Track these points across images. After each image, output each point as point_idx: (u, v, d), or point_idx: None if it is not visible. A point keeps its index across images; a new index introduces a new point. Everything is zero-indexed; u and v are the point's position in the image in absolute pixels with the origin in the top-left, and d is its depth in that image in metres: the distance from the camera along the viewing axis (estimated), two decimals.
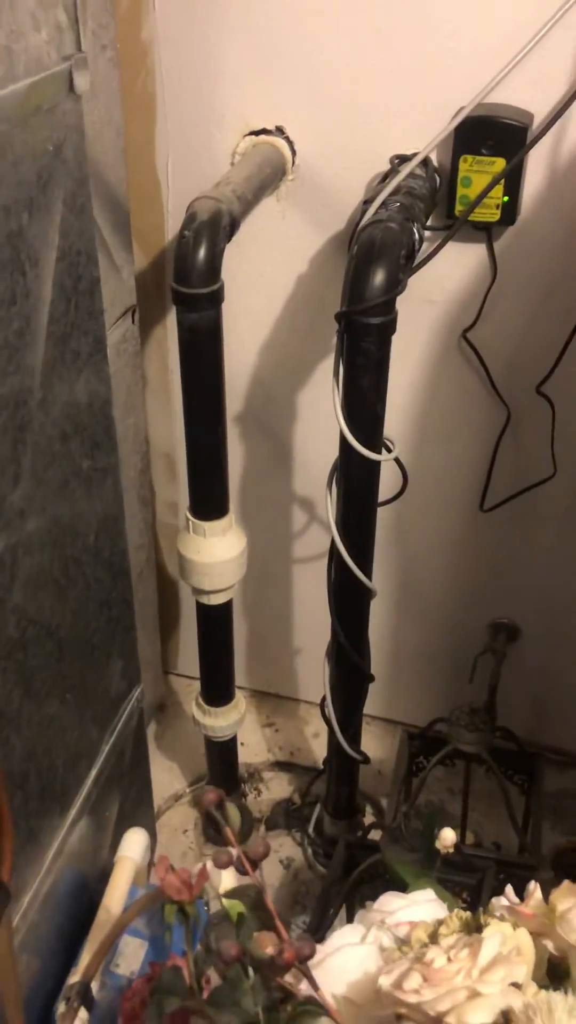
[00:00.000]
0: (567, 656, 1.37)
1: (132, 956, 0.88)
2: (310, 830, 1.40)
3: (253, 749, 1.54)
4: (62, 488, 0.72)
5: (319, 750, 1.46)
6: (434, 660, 1.44)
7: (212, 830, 1.40)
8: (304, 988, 0.57)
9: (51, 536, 0.71)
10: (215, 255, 0.92)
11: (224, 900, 0.66)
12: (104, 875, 0.94)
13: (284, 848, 1.41)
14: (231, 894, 0.57)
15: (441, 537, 1.32)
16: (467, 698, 1.27)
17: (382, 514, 1.07)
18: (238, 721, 1.29)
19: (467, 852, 1.11)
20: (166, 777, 1.49)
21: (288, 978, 0.60)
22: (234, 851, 0.59)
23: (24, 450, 0.66)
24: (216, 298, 0.94)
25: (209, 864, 0.67)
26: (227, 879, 0.74)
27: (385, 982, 0.53)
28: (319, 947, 0.60)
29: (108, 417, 0.77)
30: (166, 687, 1.62)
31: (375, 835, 1.29)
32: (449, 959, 0.51)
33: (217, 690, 1.27)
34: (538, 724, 1.42)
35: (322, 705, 1.20)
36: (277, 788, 1.49)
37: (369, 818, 1.42)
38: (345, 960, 0.59)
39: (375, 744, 1.49)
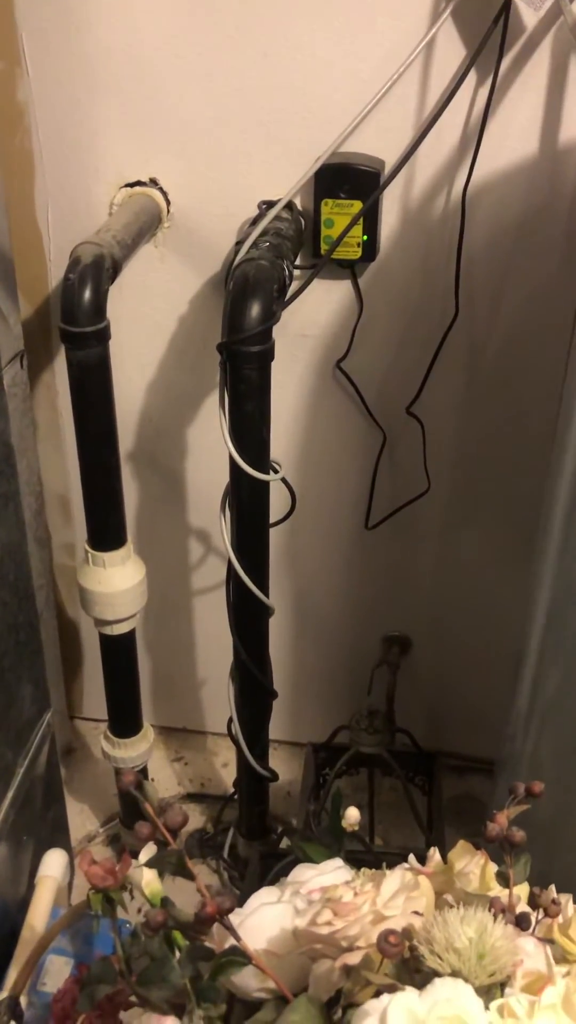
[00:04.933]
0: (456, 664, 1.46)
1: (58, 974, 0.89)
2: (225, 855, 1.43)
3: (164, 784, 1.56)
4: None
5: (228, 779, 1.49)
6: (334, 676, 1.50)
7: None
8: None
9: None
10: (100, 295, 0.98)
11: (146, 884, 0.70)
12: (24, 904, 0.95)
13: (201, 876, 1.41)
14: (152, 862, 0.61)
15: (331, 556, 1.39)
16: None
17: (274, 537, 1.13)
18: (147, 751, 1.32)
19: (376, 850, 1.16)
20: (79, 819, 1.49)
21: (212, 942, 0.64)
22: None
23: None
24: (103, 335, 1.00)
25: (133, 862, 0.71)
26: (148, 875, 0.77)
27: (300, 922, 0.57)
28: (239, 910, 0.64)
29: (7, 445, 0.81)
30: (72, 731, 1.63)
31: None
32: (356, 893, 0.57)
33: (125, 721, 1.30)
34: (435, 731, 1.49)
35: (229, 725, 1.24)
36: (190, 819, 1.51)
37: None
38: (263, 918, 0.63)
39: (284, 766, 1.53)
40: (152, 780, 1.52)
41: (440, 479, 1.28)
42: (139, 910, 0.64)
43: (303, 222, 1.11)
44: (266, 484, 1.05)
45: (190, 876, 0.62)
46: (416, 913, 0.57)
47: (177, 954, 0.64)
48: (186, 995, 0.62)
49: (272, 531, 1.12)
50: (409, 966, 0.53)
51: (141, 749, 1.31)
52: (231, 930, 0.58)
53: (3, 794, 0.89)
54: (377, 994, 0.51)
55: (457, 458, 1.27)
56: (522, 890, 0.62)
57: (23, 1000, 0.84)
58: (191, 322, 1.22)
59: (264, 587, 1.12)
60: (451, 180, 1.10)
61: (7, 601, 0.85)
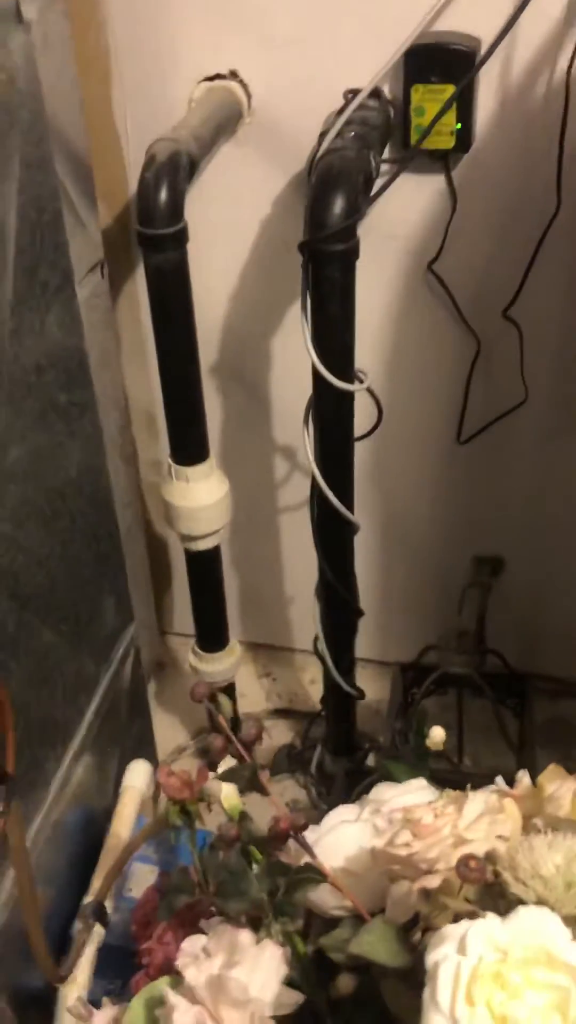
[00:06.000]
0: (552, 583, 1.40)
1: (143, 880, 0.91)
2: (313, 771, 1.43)
3: (252, 699, 1.57)
4: (40, 419, 0.74)
5: (316, 695, 1.49)
6: (423, 595, 1.46)
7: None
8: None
9: (33, 467, 0.73)
10: (176, 195, 0.94)
11: (224, 798, 0.68)
12: (110, 813, 0.96)
13: (288, 791, 1.44)
14: (227, 775, 0.60)
15: (420, 472, 1.34)
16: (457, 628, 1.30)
17: (360, 452, 1.09)
18: (234, 665, 1.32)
19: (465, 769, 1.14)
20: (169, 732, 1.52)
21: (289, 859, 0.62)
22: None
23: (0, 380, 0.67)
24: (180, 238, 0.96)
25: (211, 775, 0.70)
26: (227, 789, 0.76)
27: (379, 842, 0.55)
28: (317, 827, 0.63)
29: (82, 352, 0.79)
30: (163, 646, 1.65)
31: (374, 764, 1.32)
32: (437, 815, 0.54)
33: (211, 636, 1.30)
34: (528, 652, 1.45)
35: (315, 643, 1.23)
36: (278, 735, 1.52)
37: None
38: (342, 836, 0.61)
39: (371, 684, 1.51)
40: (241, 696, 1.52)
41: (538, 389, 1.21)
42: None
43: (392, 111, 1.03)
44: (350, 394, 1.01)
45: (264, 791, 0.60)
46: (500, 838, 0.54)
47: (255, 868, 0.63)
48: (263, 909, 0.61)
49: (358, 445, 1.07)
50: (492, 892, 0.51)
51: (228, 664, 1.31)
52: (306, 847, 0.57)
53: (87, 705, 0.89)
54: (456, 919, 0.48)
55: (557, 365, 1.20)
56: None
57: (108, 905, 0.86)
58: (274, 224, 1.16)
59: (349, 503, 1.09)
60: (553, 62, 1.00)
61: (86, 512, 0.84)
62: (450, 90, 0.99)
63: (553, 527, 1.35)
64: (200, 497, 1.13)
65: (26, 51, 0.67)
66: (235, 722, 0.64)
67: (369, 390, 1.04)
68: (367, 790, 1.11)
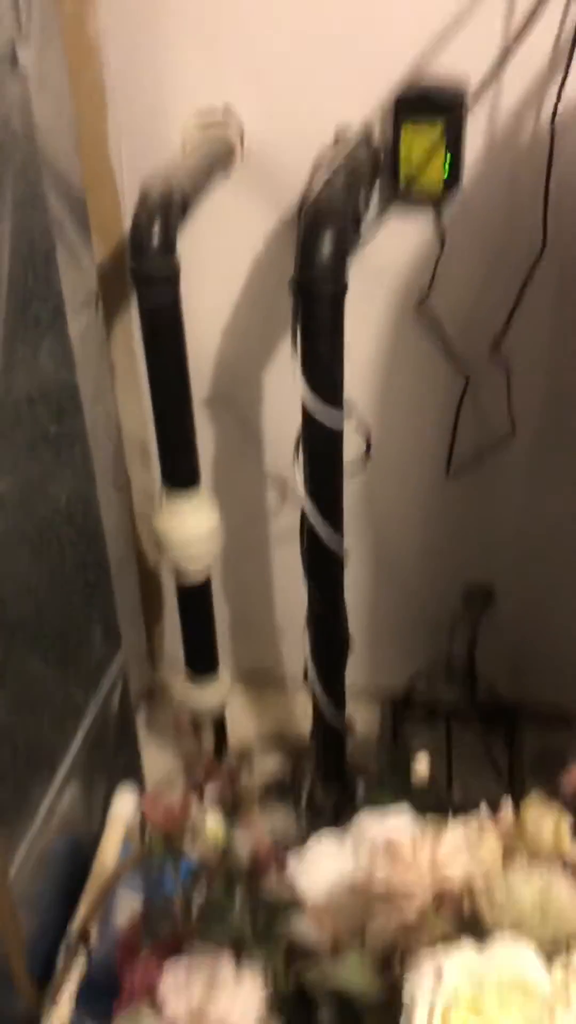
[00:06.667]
0: (541, 614, 1.41)
1: (129, 909, 0.90)
2: (302, 803, 1.43)
3: (243, 728, 1.56)
4: (30, 450, 0.75)
5: (308, 724, 1.49)
6: (413, 624, 1.47)
7: None
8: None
9: (23, 496, 0.74)
10: (169, 232, 0.95)
11: (208, 827, 0.69)
12: (97, 840, 0.96)
13: (278, 823, 1.44)
14: (211, 806, 0.60)
15: (410, 504, 1.35)
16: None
17: (350, 483, 1.10)
18: (224, 694, 1.32)
19: (452, 800, 1.14)
20: (159, 760, 1.51)
21: (272, 889, 0.63)
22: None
23: None
24: (173, 275, 0.98)
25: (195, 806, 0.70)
26: (212, 819, 0.76)
27: (359, 873, 0.56)
28: (299, 856, 0.63)
29: (72, 384, 0.80)
30: (154, 675, 1.65)
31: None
32: (415, 846, 0.55)
33: (201, 665, 1.30)
34: (518, 682, 1.45)
35: (305, 674, 1.23)
36: (268, 765, 1.52)
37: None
38: (323, 867, 0.62)
39: (362, 715, 1.51)
40: (230, 725, 1.52)
41: (525, 424, 1.23)
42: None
43: (381, 151, 1.06)
44: (339, 427, 1.02)
45: (249, 820, 0.61)
46: (478, 868, 0.54)
47: (238, 898, 0.63)
48: (245, 939, 0.61)
49: (348, 477, 1.08)
50: (469, 922, 0.51)
51: (218, 693, 1.32)
52: (287, 878, 0.57)
53: (74, 733, 0.89)
54: (434, 948, 0.49)
55: (543, 401, 1.22)
56: None
57: (94, 932, 0.86)
58: (266, 260, 1.18)
59: (339, 534, 1.10)
60: (539, 104, 1.03)
61: (75, 541, 0.84)
62: (439, 131, 1.02)
63: (541, 558, 1.36)
64: (191, 526, 1.14)
65: (21, 94, 0.69)
66: (222, 752, 0.65)
67: (359, 423, 1.05)
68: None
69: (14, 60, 0.67)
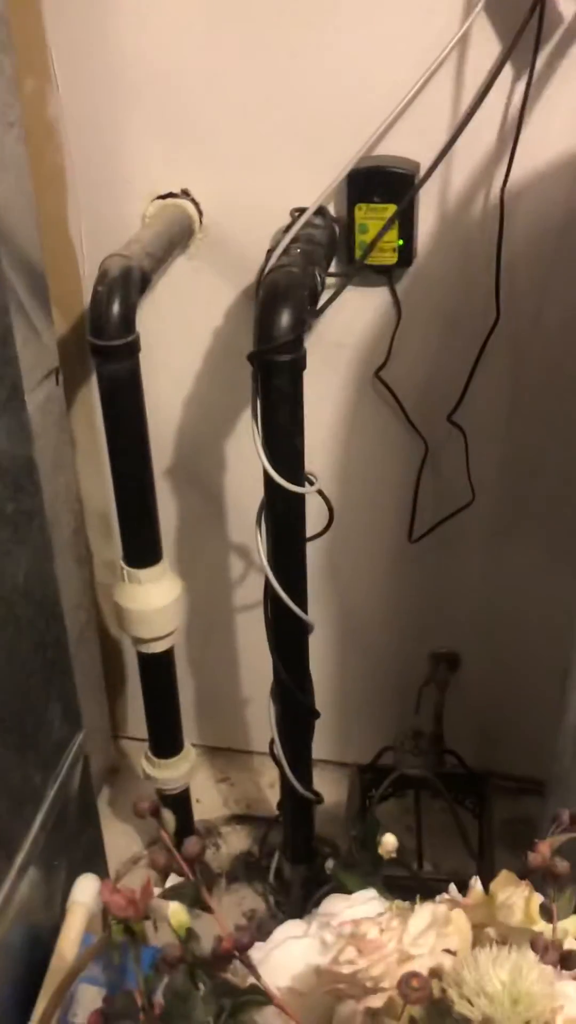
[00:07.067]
0: (507, 681, 1.41)
1: (90, 1004, 0.87)
2: (271, 879, 1.39)
3: (209, 805, 1.53)
4: None
5: (274, 800, 1.46)
6: (380, 694, 1.46)
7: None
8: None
9: None
10: (128, 307, 0.96)
11: (172, 915, 0.67)
12: (57, 930, 0.93)
13: (246, 901, 1.40)
14: (169, 893, 0.58)
15: (374, 571, 1.35)
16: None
17: (314, 551, 1.10)
18: (188, 771, 1.30)
19: (422, 875, 1.12)
20: (123, 840, 1.47)
21: (235, 978, 0.60)
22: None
23: None
24: (132, 349, 0.98)
25: (156, 892, 0.68)
26: (174, 906, 0.74)
27: (325, 960, 0.54)
28: (262, 944, 0.61)
29: (30, 461, 0.79)
30: (117, 751, 1.62)
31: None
32: (382, 930, 0.53)
33: (165, 741, 1.28)
34: (486, 751, 1.44)
35: (271, 746, 1.21)
36: (235, 842, 1.48)
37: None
38: (288, 953, 0.60)
39: (330, 787, 1.48)
40: (197, 801, 1.49)
41: (485, 490, 1.24)
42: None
43: (336, 228, 1.08)
44: (301, 496, 1.02)
45: (208, 909, 0.59)
46: (447, 951, 0.53)
47: (202, 989, 0.61)
48: None
49: (311, 546, 1.08)
50: (438, 1010, 0.50)
51: (182, 770, 1.29)
52: (250, 968, 0.55)
53: (32, 817, 0.87)
54: None
55: (502, 468, 1.23)
56: (570, 924, 0.58)
57: None
58: (225, 334, 1.20)
59: (302, 603, 1.09)
60: (489, 181, 1.06)
61: (33, 620, 0.83)
62: (391, 209, 1.04)
63: (504, 624, 1.36)
64: (152, 600, 1.13)
65: None
66: (186, 834, 0.63)
67: (320, 492, 1.05)
68: (324, 900, 1.09)
69: None
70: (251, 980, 0.57)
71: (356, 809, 1.34)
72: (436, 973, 0.50)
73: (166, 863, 0.59)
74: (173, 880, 0.64)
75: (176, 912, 0.66)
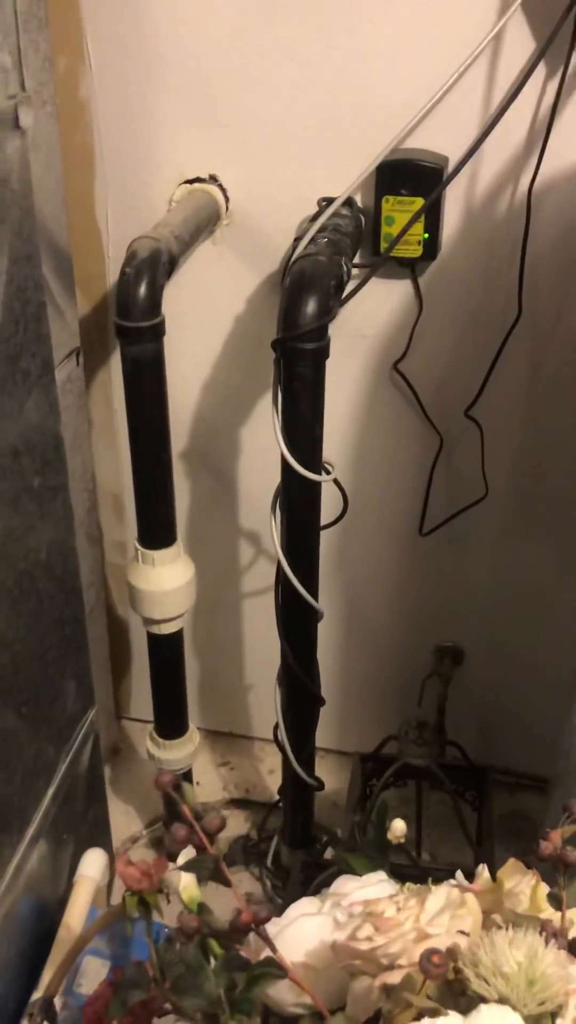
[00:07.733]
0: (511, 676, 1.42)
1: (95, 975, 0.88)
2: (268, 863, 1.40)
3: (209, 788, 1.54)
4: (14, 502, 0.75)
5: (274, 785, 1.47)
6: (383, 685, 1.47)
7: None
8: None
9: (3, 548, 0.74)
10: (155, 290, 0.97)
11: (183, 889, 0.68)
12: (63, 903, 0.94)
13: (243, 884, 1.41)
14: (188, 866, 0.59)
15: (383, 562, 1.36)
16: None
17: (326, 540, 1.11)
18: (192, 753, 1.31)
19: (423, 865, 1.13)
20: (123, 820, 1.49)
21: (248, 952, 0.61)
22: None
23: None
24: (158, 331, 0.99)
25: (170, 866, 0.69)
26: (186, 880, 0.75)
27: (340, 936, 0.55)
28: (277, 919, 0.62)
29: (57, 437, 0.80)
30: (120, 731, 1.63)
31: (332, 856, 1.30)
32: (399, 909, 0.54)
33: (170, 723, 1.29)
34: (487, 745, 1.45)
35: (275, 731, 1.22)
36: (234, 825, 1.49)
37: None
38: (302, 930, 0.61)
39: (330, 775, 1.50)
40: (197, 784, 1.50)
41: (498, 486, 1.25)
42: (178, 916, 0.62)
43: (363, 219, 1.09)
44: (317, 484, 1.03)
45: (227, 882, 0.60)
46: (462, 933, 0.54)
47: (213, 962, 0.62)
48: (220, 1006, 0.60)
49: (323, 534, 1.09)
50: (453, 989, 0.51)
51: (186, 751, 1.30)
52: (267, 941, 0.56)
53: (44, 790, 0.88)
54: (418, 1017, 0.48)
55: (516, 464, 1.24)
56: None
57: (58, 1001, 0.83)
58: (247, 320, 1.20)
59: (313, 590, 1.10)
60: (516, 178, 1.07)
61: (53, 595, 0.84)
62: (418, 203, 1.05)
63: (510, 620, 1.37)
64: (165, 581, 1.14)
65: (21, 154, 0.70)
66: (194, 812, 0.64)
67: (336, 481, 1.06)
68: (325, 883, 1.10)
69: (16, 119, 0.68)
70: (266, 954, 0.58)
71: (357, 796, 1.35)
72: (452, 953, 0.51)
73: (185, 836, 0.60)
74: (185, 856, 0.65)
75: (189, 886, 0.67)
